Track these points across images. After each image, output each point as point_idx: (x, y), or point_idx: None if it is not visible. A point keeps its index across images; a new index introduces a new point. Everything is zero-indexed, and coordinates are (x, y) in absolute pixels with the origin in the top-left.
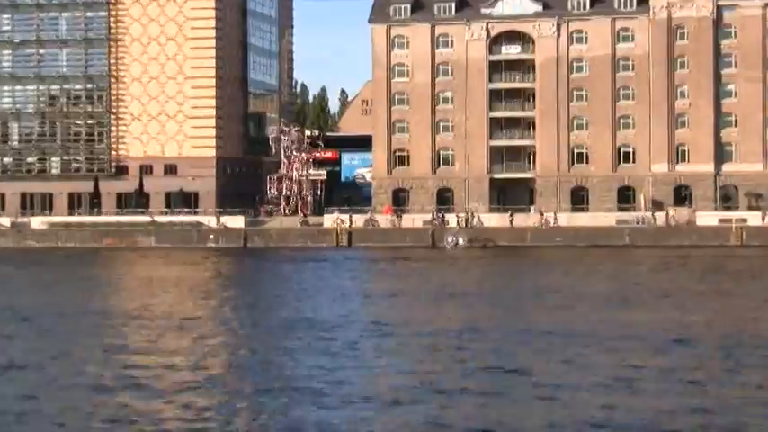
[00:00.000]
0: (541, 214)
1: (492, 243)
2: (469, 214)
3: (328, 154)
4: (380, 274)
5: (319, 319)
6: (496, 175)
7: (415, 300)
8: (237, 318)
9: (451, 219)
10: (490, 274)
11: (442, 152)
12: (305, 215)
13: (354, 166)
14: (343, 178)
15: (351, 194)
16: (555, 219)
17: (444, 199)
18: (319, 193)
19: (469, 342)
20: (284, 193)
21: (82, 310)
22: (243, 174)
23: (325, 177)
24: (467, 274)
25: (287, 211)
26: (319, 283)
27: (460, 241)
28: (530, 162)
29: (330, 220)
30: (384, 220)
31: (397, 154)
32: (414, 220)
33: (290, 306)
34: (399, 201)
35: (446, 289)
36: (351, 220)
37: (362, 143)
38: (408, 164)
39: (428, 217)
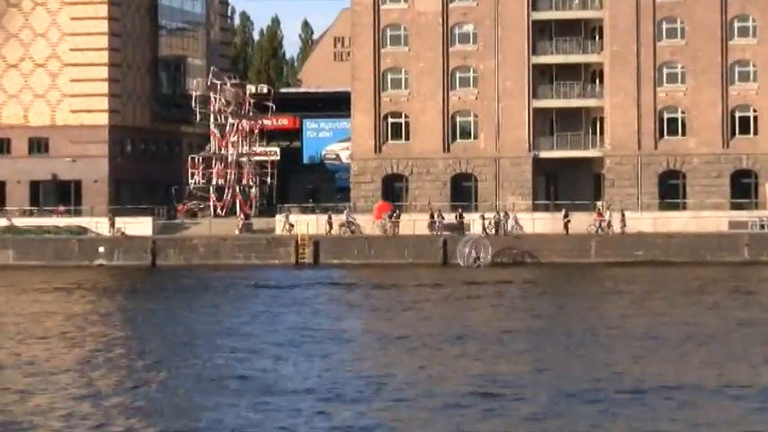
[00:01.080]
0: (599, 213)
1: (533, 259)
2: (502, 214)
3: (283, 122)
4: (355, 318)
5: None
6: (544, 154)
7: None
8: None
9: (474, 221)
10: (534, 323)
11: (459, 118)
12: (247, 216)
13: (323, 139)
14: (305, 159)
15: (318, 184)
16: (622, 220)
17: (463, 190)
18: (270, 182)
19: None
20: (215, 183)
21: None
22: (150, 153)
23: (278, 158)
24: (493, 321)
25: (219, 211)
26: (257, 345)
27: (483, 256)
28: (595, 133)
29: (286, 223)
30: (369, 223)
31: (390, 121)
32: (415, 223)
33: (206, 405)
34: (393, 193)
35: (460, 376)
36: (331, 226)
37: (335, 104)
38: (407, 136)
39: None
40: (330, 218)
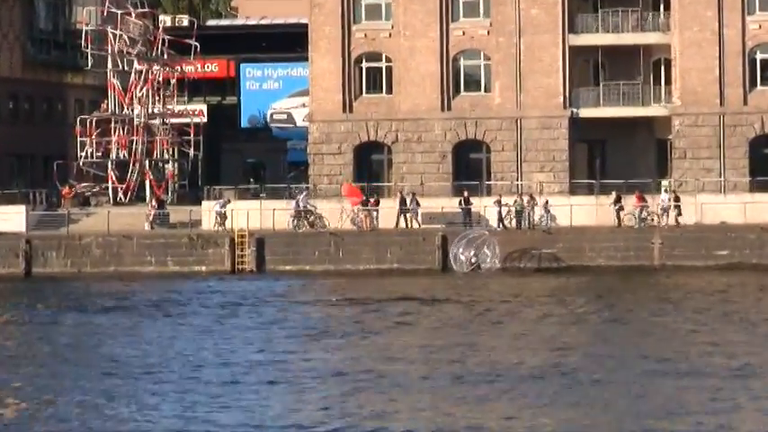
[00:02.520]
0: (640, 196)
1: (566, 262)
2: (526, 199)
3: (213, 68)
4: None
5: None
6: (585, 113)
7: None
8: None
9: (485, 209)
10: (563, 361)
11: (464, 62)
12: (160, 203)
13: (269, 93)
14: (244, 121)
15: (262, 157)
16: (675, 207)
17: (470, 165)
18: (193, 154)
19: None
20: (114, 156)
21: None
22: (23, 114)
23: (205, 120)
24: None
25: (121, 196)
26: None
27: (485, 258)
28: (658, 82)
29: (214, 213)
30: (336, 213)
31: (365, 66)
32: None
33: None
34: (370, 170)
35: None
36: (299, 218)
37: (286, 43)
38: (389, 88)
39: (435, 204)
40: (299, 205)
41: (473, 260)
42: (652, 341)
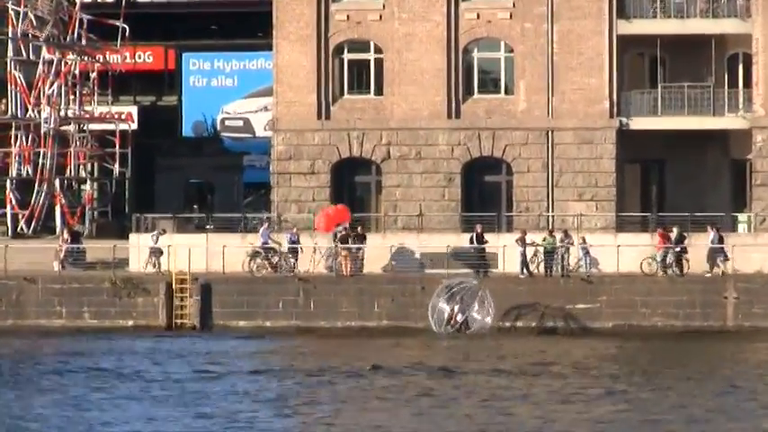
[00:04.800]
0: (663, 232)
1: (603, 322)
2: (559, 237)
3: (146, 58)
4: None
5: None
6: (638, 124)
7: None
8: None
9: (507, 248)
10: None
11: (477, 54)
12: (74, 236)
13: (220, 91)
14: (186, 128)
15: (210, 176)
16: (718, 248)
17: (487, 190)
18: (118, 171)
19: None
20: (15, 172)
21: None
22: None
23: (135, 126)
24: None
25: (23, 225)
26: None
27: (474, 316)
28: (734, 85)
29: (146, 250)
30: (307, 251)
31: (347, 58)
32: (391, 250)
33: None
34: (353, 195)
35: None
36: (269, 257)
37: (243, 26)
38: (378, 88)
39: (438, 243)
40: (263, 240)
41: (458, 317)
42: None
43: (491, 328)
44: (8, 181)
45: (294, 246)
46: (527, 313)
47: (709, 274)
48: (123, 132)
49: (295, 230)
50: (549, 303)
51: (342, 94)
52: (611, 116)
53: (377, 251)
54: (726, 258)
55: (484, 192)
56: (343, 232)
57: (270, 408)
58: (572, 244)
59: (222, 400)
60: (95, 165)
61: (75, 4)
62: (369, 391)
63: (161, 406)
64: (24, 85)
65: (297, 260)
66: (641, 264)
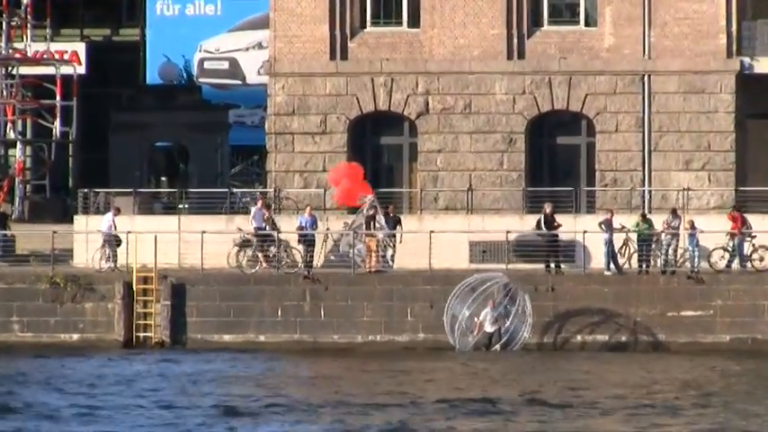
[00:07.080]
0: (733, 214)
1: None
2: (664, 219)
3: None
4: None
5: None
6: (763, 66)
7: None
8: None
9: (588, 234)
10: None
11: None
12: (1, 219)
13: (194, 23)
14: (152, 75)
15: (182, 138)
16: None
17: (560, 155)
18: (59, 131)
19: None
20: None
21: None
22: None
23: (82, 70)
24: None
25: None
26: None
27: (509, 327)
28: None
29: (98, 236)
30: (317, 236)
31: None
32: (434, 240)
33: None
34: (379, 163)
35: None
36: (263, 250)
37: None
38: (414, 19)
39: (494, 225)
40: (256, 224)
41: (489, 329)
42: None
43: (531, 343)
44: None
45: (307, 236)
46: (609, 324)
47: None
48: (66, 78)
49: (309, 211)
50: (645, 310)
51: (363, 25)
52: (729, 55)
53: (409, 239)
54: None
55: (556, 159)
56: (371, 211)
57: None
58: (678, 228)
59: None
60: (28, 122)
61: None
62: None
63: None
64: None
65: (312, 255)
66: (711, 258)
